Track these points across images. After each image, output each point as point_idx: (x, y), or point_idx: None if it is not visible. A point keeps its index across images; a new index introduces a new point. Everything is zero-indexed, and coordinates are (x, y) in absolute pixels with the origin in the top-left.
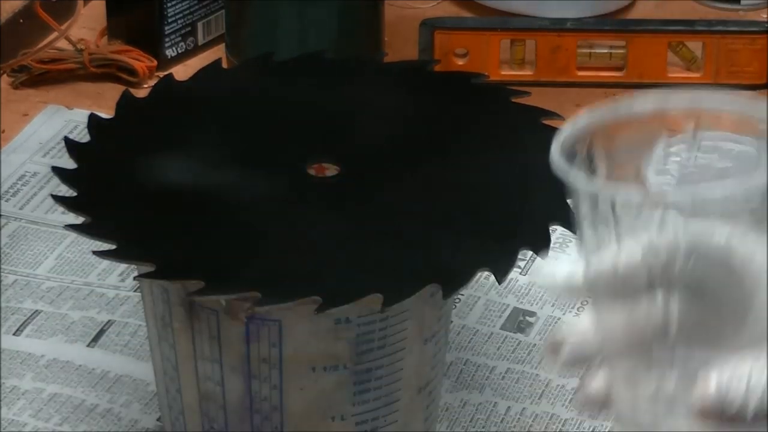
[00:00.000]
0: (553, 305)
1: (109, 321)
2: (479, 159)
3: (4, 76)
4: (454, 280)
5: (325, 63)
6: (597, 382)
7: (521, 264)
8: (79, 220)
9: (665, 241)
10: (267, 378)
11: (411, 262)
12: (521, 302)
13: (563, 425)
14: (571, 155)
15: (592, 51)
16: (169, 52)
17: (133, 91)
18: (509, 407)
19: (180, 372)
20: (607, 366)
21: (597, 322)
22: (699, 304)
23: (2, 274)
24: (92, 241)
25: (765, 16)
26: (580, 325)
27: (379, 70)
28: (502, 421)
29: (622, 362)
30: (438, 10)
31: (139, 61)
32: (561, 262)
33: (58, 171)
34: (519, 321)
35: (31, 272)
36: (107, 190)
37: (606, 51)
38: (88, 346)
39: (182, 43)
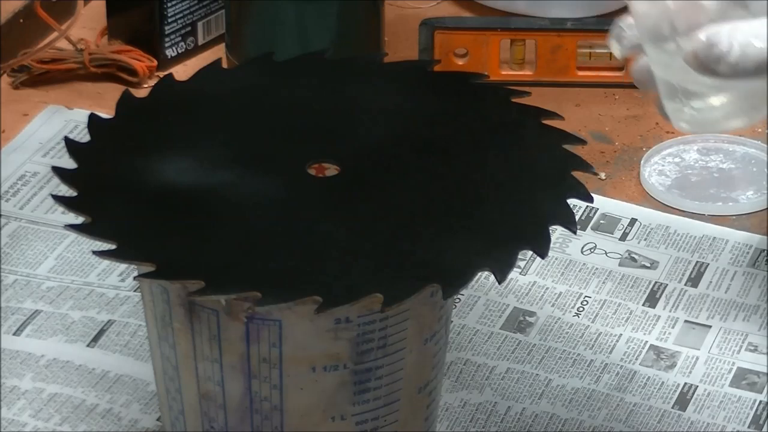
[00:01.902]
0: (553, 305)
1: (109, 321)
2: (479, 159)
3: (4, 76)
4: (454, 280)
5: (325, 63)
6: (642, 60)
7: (521, 264)
8: (79, 220)
9: None
10: (267, 378)
11: (411, 262)
12: (521, 302)
13: (563, 425)
14: None
15: (592, 51)
16: (169, 52)
17: (133, 91)
18: (509, 407)
19: (180, 372)
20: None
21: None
22: None
23: (2, 274)
24: (92, 241)
25: None
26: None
27: (379, 70)
28: (502, 421)
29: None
30: (438, 10)
31: (139, 61)
32: None
33: (58, 171)
34: (519, 321)
35: (31, 272)
36: (107, 190)
37: (606, 51)
38: (88, 346)
39: (182, 43)
